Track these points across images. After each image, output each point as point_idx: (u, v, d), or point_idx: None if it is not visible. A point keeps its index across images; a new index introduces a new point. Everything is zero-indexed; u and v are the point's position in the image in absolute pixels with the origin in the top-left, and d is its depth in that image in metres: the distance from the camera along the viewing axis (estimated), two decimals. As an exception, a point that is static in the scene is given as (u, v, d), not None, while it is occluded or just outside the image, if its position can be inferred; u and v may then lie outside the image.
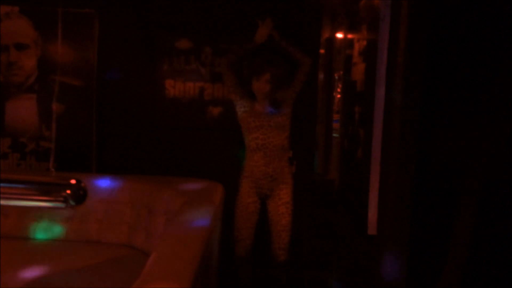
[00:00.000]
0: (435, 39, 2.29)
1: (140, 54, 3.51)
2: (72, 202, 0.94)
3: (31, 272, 2.07)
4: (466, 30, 2.27)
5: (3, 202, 0.92)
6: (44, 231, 2.57)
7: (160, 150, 3.51)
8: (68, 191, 0.94)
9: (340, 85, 4.75)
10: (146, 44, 3.47)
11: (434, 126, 2.33)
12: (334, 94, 5.36)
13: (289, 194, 3.01)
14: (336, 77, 5.24)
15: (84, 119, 3.43)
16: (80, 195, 0.95)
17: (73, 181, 0.95)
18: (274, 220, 2.99)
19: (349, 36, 3.34)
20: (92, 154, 3.44)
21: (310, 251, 3.47)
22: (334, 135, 4.96)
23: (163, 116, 3.52)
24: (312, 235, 3.51)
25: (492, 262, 2.20)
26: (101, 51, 3.42)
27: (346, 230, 3.16)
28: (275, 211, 2.98)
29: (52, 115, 3.41)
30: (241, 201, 2.99)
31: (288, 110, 2.98)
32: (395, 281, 2.36)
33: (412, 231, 2.30)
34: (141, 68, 3.50)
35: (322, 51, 4.22)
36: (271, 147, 2.92)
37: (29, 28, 3.40)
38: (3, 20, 3.35)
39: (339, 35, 4.12)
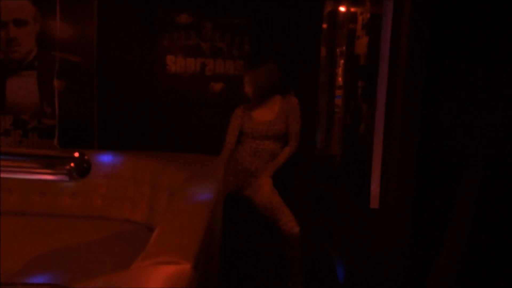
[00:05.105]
0: (440, 11, 2.25)
1: (140, 29, 3.47)
2: (76, 175, 0.94)
3: (35, 248, 2.09)
4: (472, 2, 2.23)
5: (6, 175, 0.92)
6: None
7: (161, 126, 3.50)
8: (72, 164, 0.93)
9: (342, 61, 4.70)
10: (146, 19, 3.43)
11: (438, 99, 2.31)
12: (337, 69, 5.30)
13: (269, 183, 2.90)
14: (338, 53, 5.18)
15: (85, 96, 3.42)
16: (84, 168, 0.94)
17: (76, 154, 0.95)
18: (265, 206, 2.87)
19: (352, 9, 3.29)
20: (94, 130, 3.44)
21: (312, 226, 3.48)
22: (336, 110, 4.93)
23: (165, 92, 3.51)
24: (314, 210, 3.52)
25: (492, 246, 2.21)
26: (100, 26, 3.39)
27: (348, 204, 3.17)
28: (261, 198, 2.89)
29: (53, 92, 3.39)
30: None
31: (284, 125, 2.95)
32: (398, 255, 2.37)
33: (415, 205, 2.31)
34: (141, 44, 3.47)
35: (324, 25, 4.17)
36: (264, 153, 2.91)
37: (28, 3, 3.36)
38: (1, -4, 3.31)
39: (342, 9, 4.06)
